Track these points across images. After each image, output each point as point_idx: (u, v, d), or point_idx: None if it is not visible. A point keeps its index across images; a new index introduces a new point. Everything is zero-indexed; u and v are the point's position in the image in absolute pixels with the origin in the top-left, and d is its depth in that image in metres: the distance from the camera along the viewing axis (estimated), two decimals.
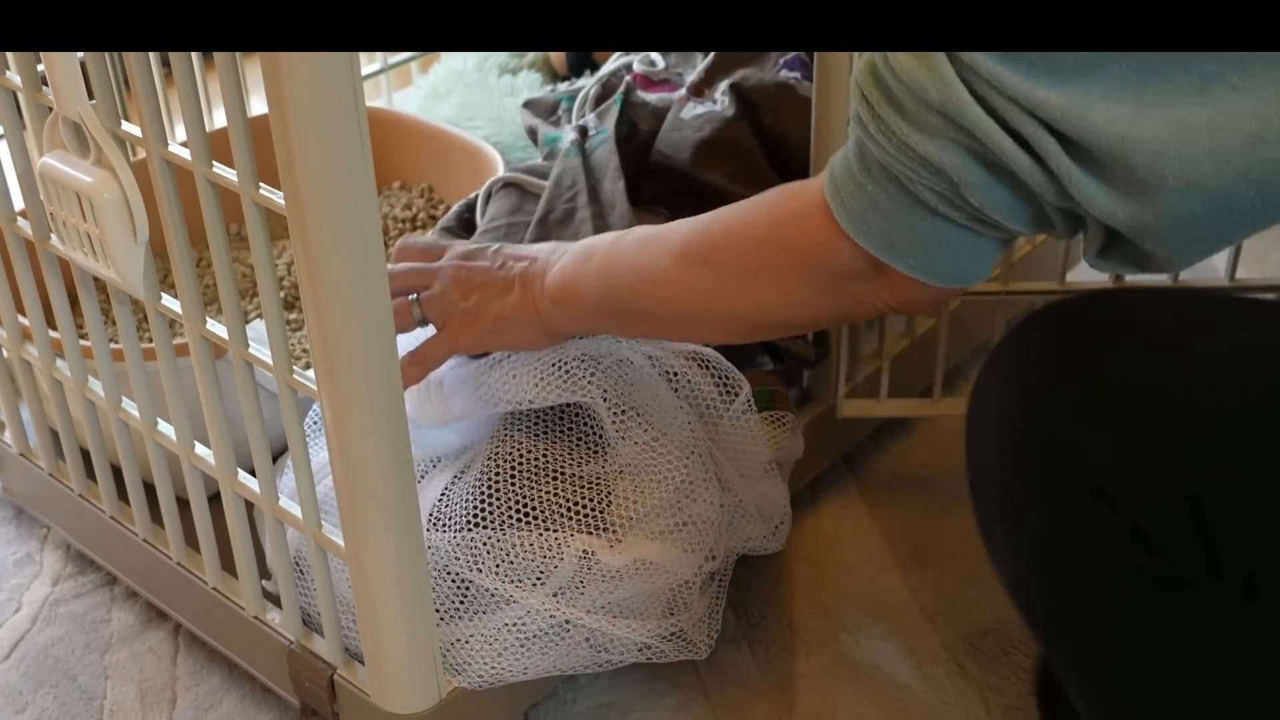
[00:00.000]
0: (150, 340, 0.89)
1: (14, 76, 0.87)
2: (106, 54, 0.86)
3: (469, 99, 1.43)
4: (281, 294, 1.25)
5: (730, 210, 0.82)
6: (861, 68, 0.68)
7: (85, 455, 1.07)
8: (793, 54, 1.16)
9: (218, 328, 0.83)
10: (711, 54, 1.19)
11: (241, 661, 1.01)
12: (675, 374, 0.96)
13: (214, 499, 0.93)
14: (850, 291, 0.77)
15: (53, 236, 0.92)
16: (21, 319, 1.03)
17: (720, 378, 0.97)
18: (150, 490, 1.00)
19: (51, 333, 1.00)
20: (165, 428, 0.94)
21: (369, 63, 1.56)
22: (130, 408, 0.95)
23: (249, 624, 0.96)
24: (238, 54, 0.79)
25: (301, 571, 0.93)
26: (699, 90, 1.17)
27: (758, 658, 1.06)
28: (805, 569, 1.13)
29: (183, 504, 0.98)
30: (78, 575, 1.15)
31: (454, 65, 1.50)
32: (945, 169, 0.66)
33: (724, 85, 1.15)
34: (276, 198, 0.72)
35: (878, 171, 0.70)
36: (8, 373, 1.09)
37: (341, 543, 0.82)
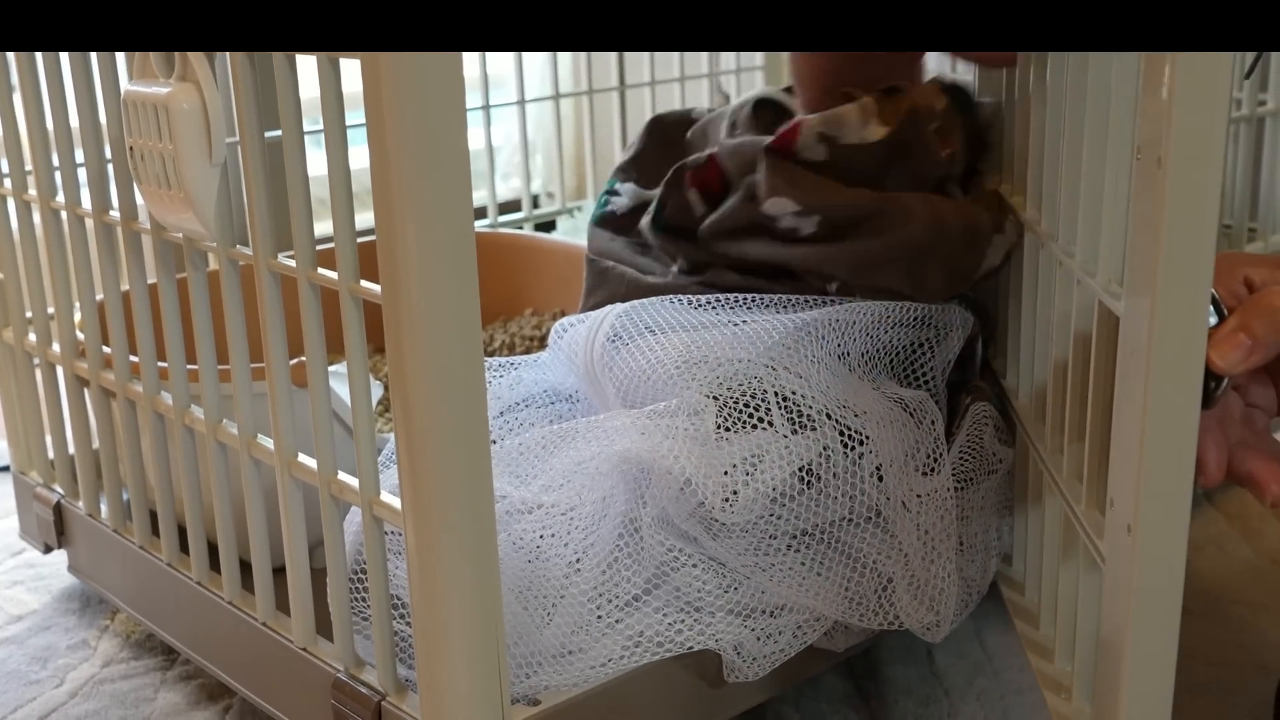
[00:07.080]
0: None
1: None
2: None
3: None
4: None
5: None
6: None
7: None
8: None
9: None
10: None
11: (283, 716, 0.86)
12: None
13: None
14: None
15: (140, 218, 0.86)
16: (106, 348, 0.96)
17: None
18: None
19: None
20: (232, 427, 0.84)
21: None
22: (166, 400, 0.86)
23: (296, 658, 0.82)
24: None
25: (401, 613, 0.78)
26: None
27: None
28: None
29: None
30: (131, 660, 1.02)
31: None
32: None
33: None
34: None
35: None
36: (83, 417, 1.01)
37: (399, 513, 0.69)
